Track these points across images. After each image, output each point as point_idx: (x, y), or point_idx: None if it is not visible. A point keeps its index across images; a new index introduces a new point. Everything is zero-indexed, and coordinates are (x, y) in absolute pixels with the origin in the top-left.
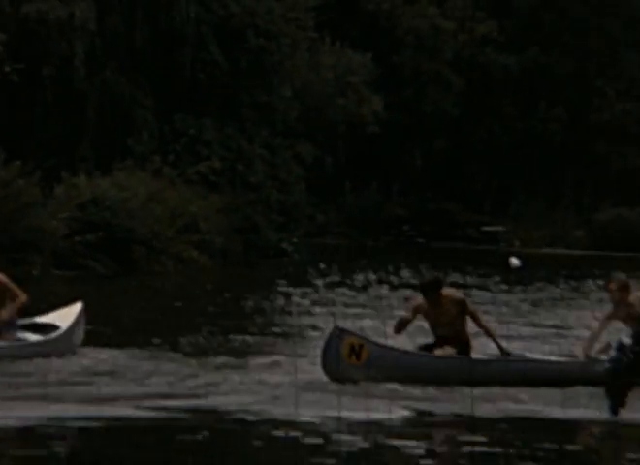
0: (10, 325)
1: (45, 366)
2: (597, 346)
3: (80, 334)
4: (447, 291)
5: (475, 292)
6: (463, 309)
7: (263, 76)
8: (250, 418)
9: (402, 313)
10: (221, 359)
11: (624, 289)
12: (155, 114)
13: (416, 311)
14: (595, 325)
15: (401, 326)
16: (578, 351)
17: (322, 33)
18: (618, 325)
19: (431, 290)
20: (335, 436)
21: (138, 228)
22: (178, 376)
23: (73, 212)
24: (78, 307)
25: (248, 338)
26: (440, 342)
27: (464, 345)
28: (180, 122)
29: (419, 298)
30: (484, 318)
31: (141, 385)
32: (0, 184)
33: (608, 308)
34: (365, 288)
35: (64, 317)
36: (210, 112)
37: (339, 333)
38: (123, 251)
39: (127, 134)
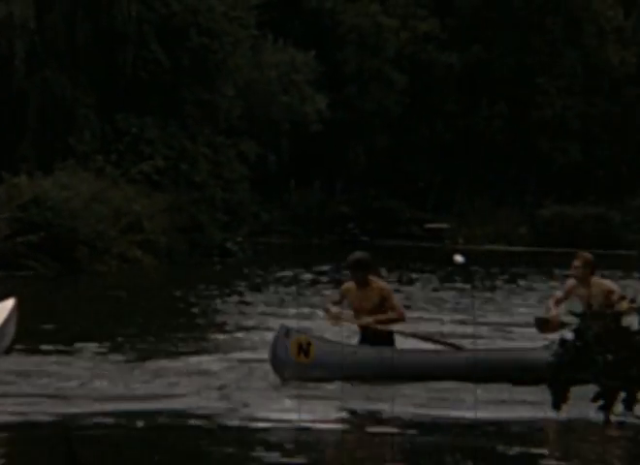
0: None
1: None
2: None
3: (11, 333)
4: (376, 279)
5: (418, 288)
6: (385, 300)
7: (205, 74)
8: (201, 419)
9: (331, 298)
10: (165, 361)
11: (589, 266)
12: (97, 113)
13: (344, 293)
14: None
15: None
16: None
17: (264, 31)
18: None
19: (359, 267)
20: (288, 435)
21: (81, 227)
22: (119, 378)
23: (14, 212)
24: (9, 303)
25: (193, 338)
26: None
27: (385, 337)
28: (122, 121)
29: (349, 283)
30: (405, 315)
31: (79, 387)
32: None
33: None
34: (308, 286)
35: None
36: (153, 111)
37: (286, 332)
38: (66, 251)
39: (69, 133)
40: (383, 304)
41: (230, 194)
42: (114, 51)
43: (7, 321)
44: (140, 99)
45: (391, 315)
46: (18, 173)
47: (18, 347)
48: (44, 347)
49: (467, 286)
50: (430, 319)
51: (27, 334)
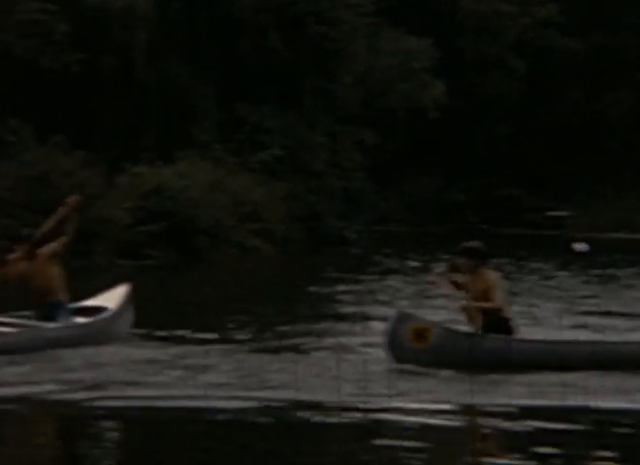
0: (60, 309)
1: (91, 352)
2: None
3: (128, 319)
4: (486, 268)
5: (536, 277)
6: (489, 290)
7: (323, 63)
8: (321, 407)
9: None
10: (286, 348)
11: None
12: (216, 103)
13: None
14: None
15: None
16: None
17: (382, 19)
18: None
19: (469, 255)
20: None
21: (200, 216)
22: (240, 366)
23: (136, 202)
24: (125, 289)
25: (309, 325)
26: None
27: (504, 326)
28: (241, 110)
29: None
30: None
31: (198, 374)
32: (64, 175)
33: None
34: (424, 274)
35: (112, 299)
36: (271, 100)
37: (402, 317)
38: (186, 240)
39: (188, 123)
40: (487, 294)
41: (347, 182)
42: (234, 41)
43: (124, 306)
44: (258, 88)
45: (490, 304)
46: (140, 163)
47: (141, 332)
48: (163, 334)
49: (589, 274)
50: (551, 309)
51: (149, 322)
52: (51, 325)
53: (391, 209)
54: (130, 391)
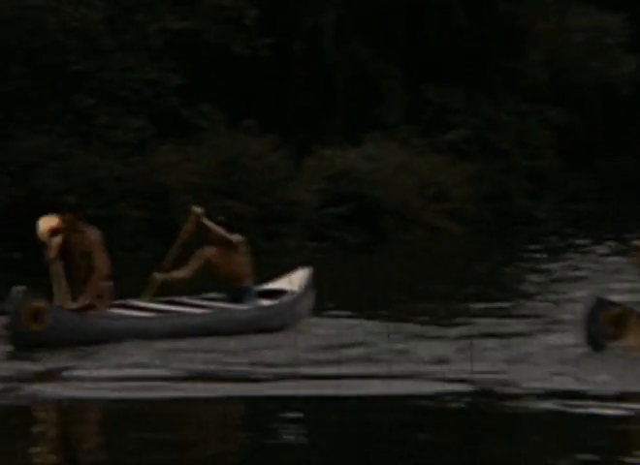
0: (247, 293)
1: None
2: None
3: (309, 302)
4: None
5: None
6: None
7: (511, 41)
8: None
9: None
10: (485, 328)
11: None
12: (403, 84)
13: None
14: None
15: None
16: None
17: None
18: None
19: None
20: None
21: (388, 198)
22: (435, 350)
23: (324, 184)
24: (305, 272)
25: (497, 307)
26: None
27: None
28: (428, 91)
29: None
30: None
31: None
32: (254, 157)
33: None
34: (619, 256)
35: (292, 282)
36: (458, 80)
37: (600, 303)
38: (373, 221)
39: (375, 104)
40: None
41: (535, 161)
42: (420, 21)
43: (305, 289)
44: (445, 68)
45: None
46: (327, 146)
47: (332, 313)
48: (357, 314)
49: None
50: None
51: (341, 303)
52: (240, 307)
53: (582, 188)
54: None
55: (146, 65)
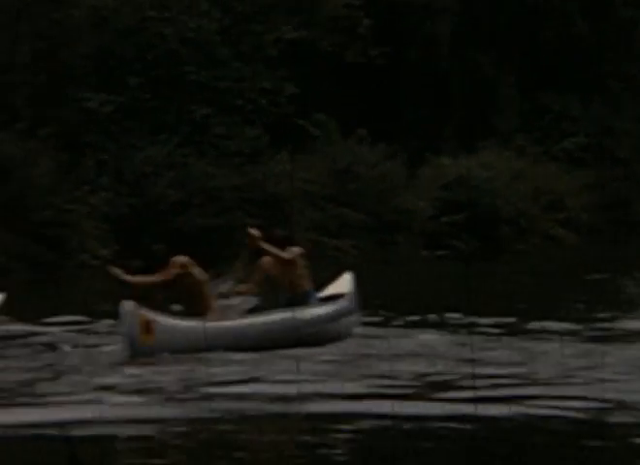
0: (310, 296)
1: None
2: None
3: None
4: None
5: None
6: None
7: (630, 47)
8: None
9: None
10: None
11: None
12: (518, 92)
13: None
14: None
15: None
16: None
17: None
18: None
19: None
20: None
21: (503, 206)
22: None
23: (438, 193)
24: (349, 277)
25: (605, 320)
26: None
27: None
28: (545, 99)
29: None
30: None
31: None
32: (367, 166)
33: None
34: None
35: (340, 288)
36: (576, 88)
37: None
38: (488, 230)
39: (490, 112)
40: None
41: None
42: (537, 29)
43: (351, 294)
44: (562, 75)
45: None
46: (441, 154)
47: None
48: (457, 322)
49: None
50: None
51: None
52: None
53: None
54: None
55: (262, 74)
